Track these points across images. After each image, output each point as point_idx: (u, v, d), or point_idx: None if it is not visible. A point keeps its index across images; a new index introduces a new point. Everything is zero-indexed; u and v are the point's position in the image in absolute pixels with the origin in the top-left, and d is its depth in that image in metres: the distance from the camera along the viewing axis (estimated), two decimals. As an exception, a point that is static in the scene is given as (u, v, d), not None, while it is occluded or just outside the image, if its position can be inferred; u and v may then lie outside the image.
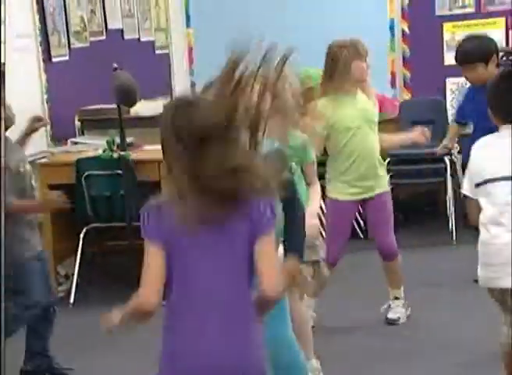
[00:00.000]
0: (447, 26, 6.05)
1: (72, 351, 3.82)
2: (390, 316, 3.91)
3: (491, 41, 4.03)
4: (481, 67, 3.89)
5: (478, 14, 5.80)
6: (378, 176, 3.78)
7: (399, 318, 3.90)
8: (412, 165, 5.49)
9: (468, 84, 4.21)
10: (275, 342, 2.50)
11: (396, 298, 3.92)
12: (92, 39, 5.35)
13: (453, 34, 6.01)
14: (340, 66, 3.64)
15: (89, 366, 3.67)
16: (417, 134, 3.88)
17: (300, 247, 2.57)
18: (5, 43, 4.30)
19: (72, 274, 4.56)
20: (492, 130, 2.84)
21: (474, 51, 3.89)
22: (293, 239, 2.55)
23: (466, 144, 4.12)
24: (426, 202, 5.93)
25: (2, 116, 3.12)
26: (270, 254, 1.96)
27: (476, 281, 4.21)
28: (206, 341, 1.94)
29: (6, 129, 3.29)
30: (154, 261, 1.95)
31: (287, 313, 2.66)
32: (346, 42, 3.72)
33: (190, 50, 6.51)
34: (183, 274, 1.96)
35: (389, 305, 3.93)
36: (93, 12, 5.38)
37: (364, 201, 3.82)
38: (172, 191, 1.92)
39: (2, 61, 3.97)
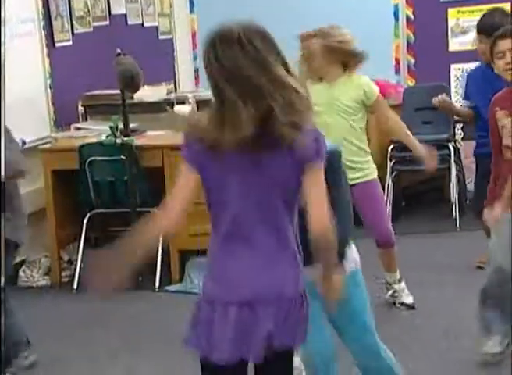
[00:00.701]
0: (452, 12, 5.99)
1: (77, 337, 3.84)
2: (407, 301, 3.86)
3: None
4: None
5: (484, -1, 5.76)
6: (353, 168, 3.56)
7: (414, 302, 3.86)
8: (416, 151, 5.49)
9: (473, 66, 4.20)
10: (362, 350, 2.48)
11: (399, 280, 3.89)
12: (95, 24, 5.33)
13: (458, 20, 5.97)
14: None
15: (93, 350, 3.68)
16: (429, 157, 3.70)
17: (347, 236, 2.34)
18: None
19: (76, 259, 4.57)
20: None
21: (501, 23, 3.88)
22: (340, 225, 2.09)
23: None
24: (429, 189, 5.90)
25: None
26: (318, 184, 1.95)
27: (479, 267, 4.27)
28: (236, 270, 1.97)
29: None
30: (184, 181, 1.98)
31: (368, 318, 2.52)
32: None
33: (194, 35, 6.48)
34: (217, 200, 1.98)
35: (395, 291, 3.88)
36: (96, -4, 5.36)
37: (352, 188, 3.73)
38: (214, 117, 1.91)
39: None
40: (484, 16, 4.08)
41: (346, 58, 3.61)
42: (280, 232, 1.98)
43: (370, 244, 3.70)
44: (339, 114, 3.65)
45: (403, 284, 3.90)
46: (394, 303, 3.89)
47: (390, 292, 3.89)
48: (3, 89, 2.94)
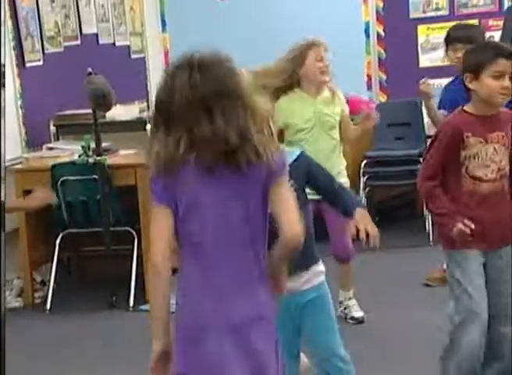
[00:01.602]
0: (422, 29, 6.10)
1: (50, 358, 3.80)
2: (356, 315, 3.95)
3: (484, 31, 4.22)
4: None
5: (452, 16, 5.85)
6: None
7: (364, 316, 3.96)
8: (388, 166, 5.53)
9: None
10: (326, 351, 2.58)
11: (350, 298, 3.99)
12: (66, 44, 5.33)
13: (428, 37, 6.07)
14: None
15: (67, 371, 3.65)
16: (365, 116, 3.92)
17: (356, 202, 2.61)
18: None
19: (49, 281, 4.53)
20: None
21: (476, 34, 3.97)
22: (346, 199, 2.56)
23: None
24: (403, 204, 5.95)
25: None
26: (286, 194, 2.00)
27: (427, 285, 4.29)
28: (214, 298, 1.98)
29: None
30: (162, 221, 1.97)
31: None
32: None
33: (166, 54, 6.50)
34: (192, 229, 1.98)
35: (345, 307, 3.97)
36: (67, 16, 5.37)
37: (319, 203, 3.80)
38: (176, 149, 1.92)
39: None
40: (457, 26, 4.14)
41: None
42: (255, 256, 2.01)
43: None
44: (323, 128, 3.77)
45: (354, 300, 3.99)
46: (345, 318, 3.96)
47: (341, 308, 3.97)
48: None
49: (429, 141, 5.57)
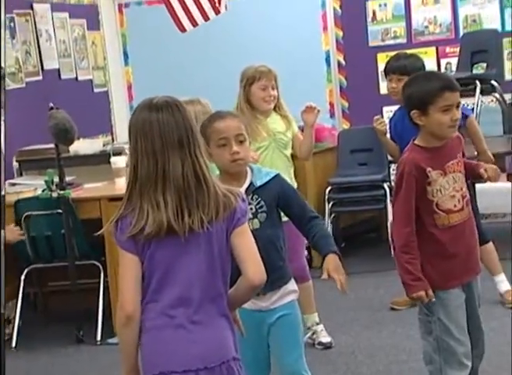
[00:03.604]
0: (381, 57, 6.22)
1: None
2: (324, 340, 3.99)
3: (422, 60, 4.21)
4: None
5: (410, 44, 5.99)
6: None
7: (331, 341, 3.99)
8: (352, 192, 5.58)
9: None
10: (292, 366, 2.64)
11: (317, 323, 4.03)
12: (28, 80, 5.35)
13: (387, 64, 6.19)
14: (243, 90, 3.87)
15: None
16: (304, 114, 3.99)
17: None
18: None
19: (14, 317, 4.49)
20: None
21: (411, 65, 4.02)
22: (317, 234, 2.60)
23: None
24: (368, 229, 6.02)
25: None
26: (249, 242, 2.03)
27: (393, 309, 4.32)
28: (180, 341, 1.99)
29: None
30: (129, 269, 2.00)
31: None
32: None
33: (130, 87, 6.55)
34: (159, 277, 1.99)
35: (313, 332, 4.00)
36: (28, 52, 5.39)
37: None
38: (138, 200, 1.97)
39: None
40: (395, 56, 4.19)
41: None
42: (220, 298, 2.04)
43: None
44: (278, 147, 3.89)
45: (321, 326, 4.03)
46: (313, 344, 3.98)
47: (309, 334, 4.00)
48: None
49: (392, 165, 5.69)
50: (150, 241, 1.97)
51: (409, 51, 4.49)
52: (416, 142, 2.71)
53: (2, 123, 3.06)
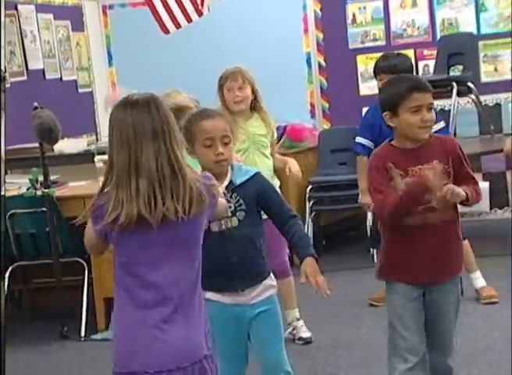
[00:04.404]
0: (360, 59, 6.33)
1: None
2: (304, 335, 4.04)
3: (410, 60, 4.36)
4: None
5: (389, 46, 6.07)
6: None
7: (311, 336, 4.05)
8: (332, 191, 5.66)
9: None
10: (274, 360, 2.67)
11: (298, 319, 4.08)
12: (13, 80, 5.39)
13: (367, 66, 6.29)
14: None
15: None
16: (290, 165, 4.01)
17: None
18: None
19: (-1, 314, 4.52)
20: None
21: (401, 64, 4.13)
22: (296, 235, 2.62)
23: None
24: (348, 227, 6.09)
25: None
26: None
27: (372, 305, 4.41)
28: (155, 332, 2.00)
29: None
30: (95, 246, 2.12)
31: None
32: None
33: (114, 87, 6.61)
34: (132, 269, 2.03)
35: (294, 327, 4.06)
36: (12, 52, 5.43)
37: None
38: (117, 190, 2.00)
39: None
40: (384, 56, 4.31)
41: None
42: (196, 295, 2.07)
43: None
44: (258, 149, 3.91)
45: (301, 321, 4.09)
46: (293, 339, 4.04)
47: (289, 329, 4.05)
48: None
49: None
50: (124, 231, 1.98)
51: (387, 54, 4.58)
52: (392, 142, 2.72)
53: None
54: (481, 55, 6.11)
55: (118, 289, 2.05)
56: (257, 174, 2.65)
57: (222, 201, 2.21)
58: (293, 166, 3.99)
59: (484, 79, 6.09)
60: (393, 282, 2.71)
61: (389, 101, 2.64)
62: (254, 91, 3.87)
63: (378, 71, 4.20)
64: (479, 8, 6.14)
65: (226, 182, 2.60)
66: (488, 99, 6.05)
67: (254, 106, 3.91)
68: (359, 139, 4.37)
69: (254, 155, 3.88)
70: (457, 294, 2.76)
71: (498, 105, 6.09)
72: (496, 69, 6.15)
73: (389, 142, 2.72)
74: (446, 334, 2.73)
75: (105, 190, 2.02)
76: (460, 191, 2.57)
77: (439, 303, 2.70)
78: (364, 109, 6.06)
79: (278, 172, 4.08)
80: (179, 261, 2.03)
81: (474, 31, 6.08)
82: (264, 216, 2.70)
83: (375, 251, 5.21)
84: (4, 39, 4.35)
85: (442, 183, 2.54)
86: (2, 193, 3.18)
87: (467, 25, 6.13)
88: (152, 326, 2.00)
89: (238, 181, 2.61)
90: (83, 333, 4.42)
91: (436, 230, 2.63)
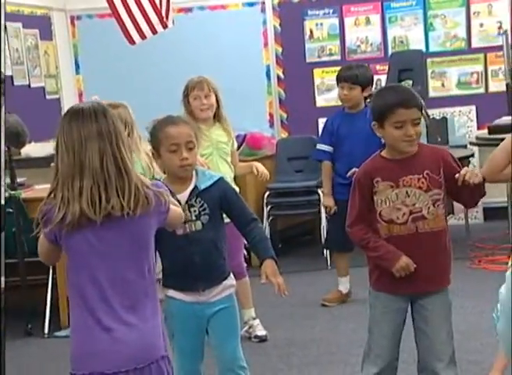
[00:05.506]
0: (317, 72, 6.57)
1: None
2: (260, 333, 4.16)
3: (371, 72, 4.59)
4: (357, 90, 4.39)
5: (344, 61, 6.27)
6: None
7: (267, 334, 4.17)
8: (289, 197, 5.84)
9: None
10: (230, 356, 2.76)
11: (254, 318, 4.20)
12: (-19, 86, 5.50)
13: (323, 79, 6.55)
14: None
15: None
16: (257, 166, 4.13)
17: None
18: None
19: (-35, 313, 4.61)
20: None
21: (362, 75, 4.38)
22: (257, 238, 2.71)
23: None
24: (303, 232, 6.26)
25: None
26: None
27: (324, 305, 4.56)
28: (108, 329, 2.03)
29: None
30: (48, 253, 2.13)
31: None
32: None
33: (80, 95, 6.77)
34: (81, 270, 2.06)
35: (250, 326, 4.17)
36: (-19, 60, 5.55)
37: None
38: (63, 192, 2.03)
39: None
40: (346, 66, 4.56)
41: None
42: (149, 295, 2.09)
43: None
44: (221, 155, 4.03)
45: (257, 320, 4.21)
46: (249, 337, 4.14)
47: (246, 328, 4.15)
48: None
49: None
50: (72, 230, 2.00)
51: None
52: (382, 153, 2.72)
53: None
54: (430, 71, 6.38)
55: (71, 293, 2.09)
56: (221, 179, 2.73)
57: (176, 209, 2.21)
58: (259, 166, 4.10)
59: (432, 94, 6.36)
60: (377, 291, 2.75)
61: (376, 112, 2.68)
62: (217, 100, 3.97)
63: (340, 79, 4.44)
64: (428, 28, 6.40)
65: (191, 187, 2.67)
66: (436, 113, 6.30)
67: (217, 115, 4.00)
68: (321, 146, 4.56)
69: (218, 161, 3.98)
70: (448, 303, 2.74)
71: (444, 119, 6.35)
72: (443, 85, 6.42)
73: (379, 153, 2.73)
74: (435, 343, 2.70)
75: (51, 195, 2.06)
76: (478, 172, 2.66)
77: (426, 313, 2.71)
78: (320, 120, 6.36)
79: (237, 179, 4.18)
80: (129, 261, 2.05)
81: (423, 49, 6.32)
82: (227, 220, 2.77)
83: (328, 253, 5.46)
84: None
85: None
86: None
87: (417, 43, 6.39)
88: (106, 328, 2.02)
89: (202, 186, 2.67)
90: (46, 331, 4.50)
91: (409, 242, 2.65)
